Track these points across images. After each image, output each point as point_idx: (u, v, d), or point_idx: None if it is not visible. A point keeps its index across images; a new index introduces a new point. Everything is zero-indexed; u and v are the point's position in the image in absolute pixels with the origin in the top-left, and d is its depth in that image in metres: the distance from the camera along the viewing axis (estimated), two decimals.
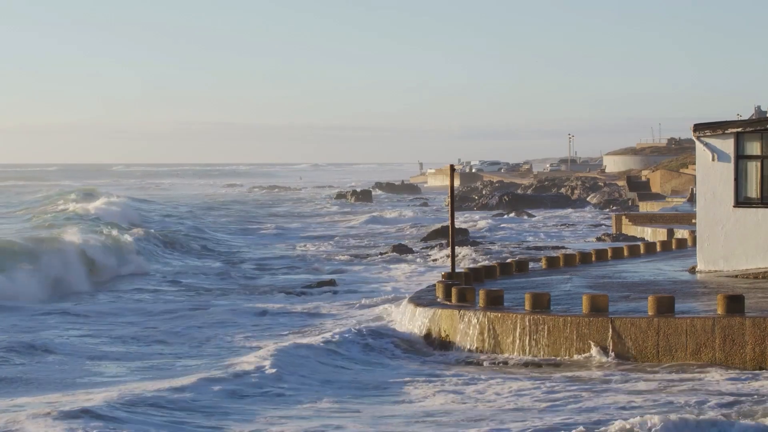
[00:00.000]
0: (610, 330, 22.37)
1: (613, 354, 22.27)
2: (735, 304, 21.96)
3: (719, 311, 22.06)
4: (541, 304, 23.89)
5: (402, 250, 51.64)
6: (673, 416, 16.30)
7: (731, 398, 18.53)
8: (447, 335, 24.53)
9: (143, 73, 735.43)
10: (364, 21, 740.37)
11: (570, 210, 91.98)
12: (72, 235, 46.45)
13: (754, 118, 60.54)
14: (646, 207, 77.98)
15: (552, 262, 33.87)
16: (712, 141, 29.24)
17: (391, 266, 46.24)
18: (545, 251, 48.14)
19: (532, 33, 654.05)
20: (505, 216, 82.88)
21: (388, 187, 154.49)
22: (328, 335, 25.05)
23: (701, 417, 16.47)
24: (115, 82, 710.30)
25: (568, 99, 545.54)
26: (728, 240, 29.14)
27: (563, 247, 50.22)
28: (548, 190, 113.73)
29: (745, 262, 28.91)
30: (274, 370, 21.20)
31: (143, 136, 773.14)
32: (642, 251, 37.91)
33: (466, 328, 24.06)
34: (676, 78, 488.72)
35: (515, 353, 23.21)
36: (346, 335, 24.98)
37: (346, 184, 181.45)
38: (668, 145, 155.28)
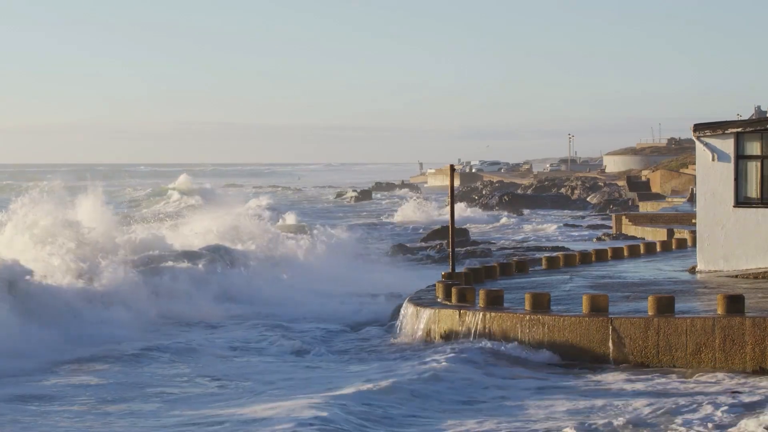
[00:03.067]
0: (610, 330, 22.38)
1: (612, 355, 22.29)
2: (735, 304, 21.95)
3: (719, 311, 22.05)
4: (541, 304, 23.89)
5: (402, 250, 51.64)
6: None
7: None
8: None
9: (143, 73, 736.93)
10: (364, 21, 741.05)
11: (570, 210, 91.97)
12: None
13: (754, 118, 60.56)
14: (646, 207, 77.96)
15: (552, 263, 33.85)
16: (712, 141, 29.24)
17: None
18: (545, 251, 48.11)
19: (532, 33, 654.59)
20: (505, 216, 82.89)
21: (386, 186, 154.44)
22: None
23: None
24: (115, 82, 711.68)
25: (568, 99, 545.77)
26: (728, 240, 29.13)
27: (563, 247, 50.19)
28: (548, 190, 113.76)
29: (745, 262, 28.91)
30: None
31: (143, 136, 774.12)
32: (642, 251, 37.89)
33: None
34: (676, 78, 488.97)
35: None
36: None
37: (346, 183, 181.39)
38: (668, 145, 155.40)
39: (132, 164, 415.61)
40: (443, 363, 21.85)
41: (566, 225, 71.95)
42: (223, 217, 53.00)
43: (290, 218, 62.98)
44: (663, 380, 20.71)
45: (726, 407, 18.05)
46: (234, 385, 21.62)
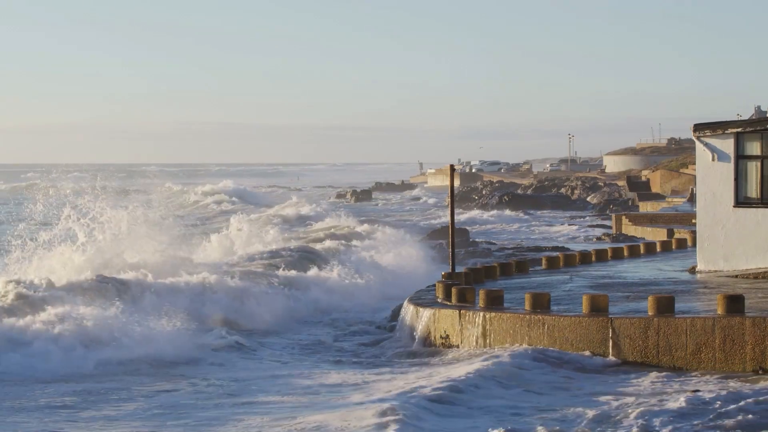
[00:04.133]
0: (610, 330, 22.37)
1: (611, 355, 22.28)
2: (735, 304, 21.95)
3: (719, 311, 22.04)
4: (541, 304, 23.89)
5: None
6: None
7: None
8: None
9: (144, 73, 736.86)
10: (364, 21, 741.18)
11: (570, 210, 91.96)
12: None
13: (754, 118, 60.54)
14: (646, 207, 77.95)
15: (552, 263, 33.85)
16: (712, 141, 29.24)
17: None
18: (545, 251, 48.10)
19: (532, 33, 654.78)
20: (505, 216, 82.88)
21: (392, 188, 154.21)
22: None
23: None
24: (115, 82, 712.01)
25: (568, 99, 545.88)
26: (728, 240, 29.13)
27: (563, 247, 50.18)
28: (548, 190, 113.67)
29: (745, 262, 28.90)
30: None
31: (143, 136, 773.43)
32: (642, 251, 37.89)
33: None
34: (676, 78, 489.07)
35: None
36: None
37: (346, 183, 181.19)
38: (668, 145, 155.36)
39: (134, 164, 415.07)
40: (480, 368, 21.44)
41: (566, 225, 71.95)
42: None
43: (347, 219, 62.77)
44: (630, 380, 20.79)
45: (670, 410, 17.99)
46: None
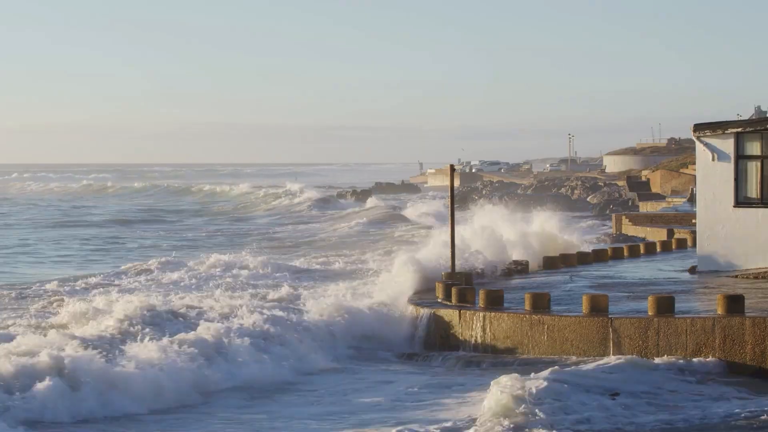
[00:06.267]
0: (610, 330, 22.37)
1: (612, 355, 22.28)
2: (735, 304, 21.95)
3: (719, 311, 22.04)
4: (541, 304, 23.88)
5: None
6: None
7: None
8: None
9: (144, 73, 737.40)
10: (364, 21, 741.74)
11: (570, 210, 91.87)
12: None
13: (754, 118, 60.56)
14: (646, 207, 77.86)
15: (551, 263, 33.83)
16: (712, 141, 29.25)
17: None
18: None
19: (532, 33, 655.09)
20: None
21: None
22: None
23: None
24: (115, 82, 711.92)
25: (568, 99, 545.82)
26: (728, 240, 29.13)
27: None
28: (548, 190, 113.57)
29: (745, 262, 28.91)
30: None
31: (144, 136, 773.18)
32: (642, 251, 37.88)
33: None
34: (676, 78, 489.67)
35: None
36: None
37: (345, 183, 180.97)
38: (668, 145, 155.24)
39: (136, 164, 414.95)
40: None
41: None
42: None
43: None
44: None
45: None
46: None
